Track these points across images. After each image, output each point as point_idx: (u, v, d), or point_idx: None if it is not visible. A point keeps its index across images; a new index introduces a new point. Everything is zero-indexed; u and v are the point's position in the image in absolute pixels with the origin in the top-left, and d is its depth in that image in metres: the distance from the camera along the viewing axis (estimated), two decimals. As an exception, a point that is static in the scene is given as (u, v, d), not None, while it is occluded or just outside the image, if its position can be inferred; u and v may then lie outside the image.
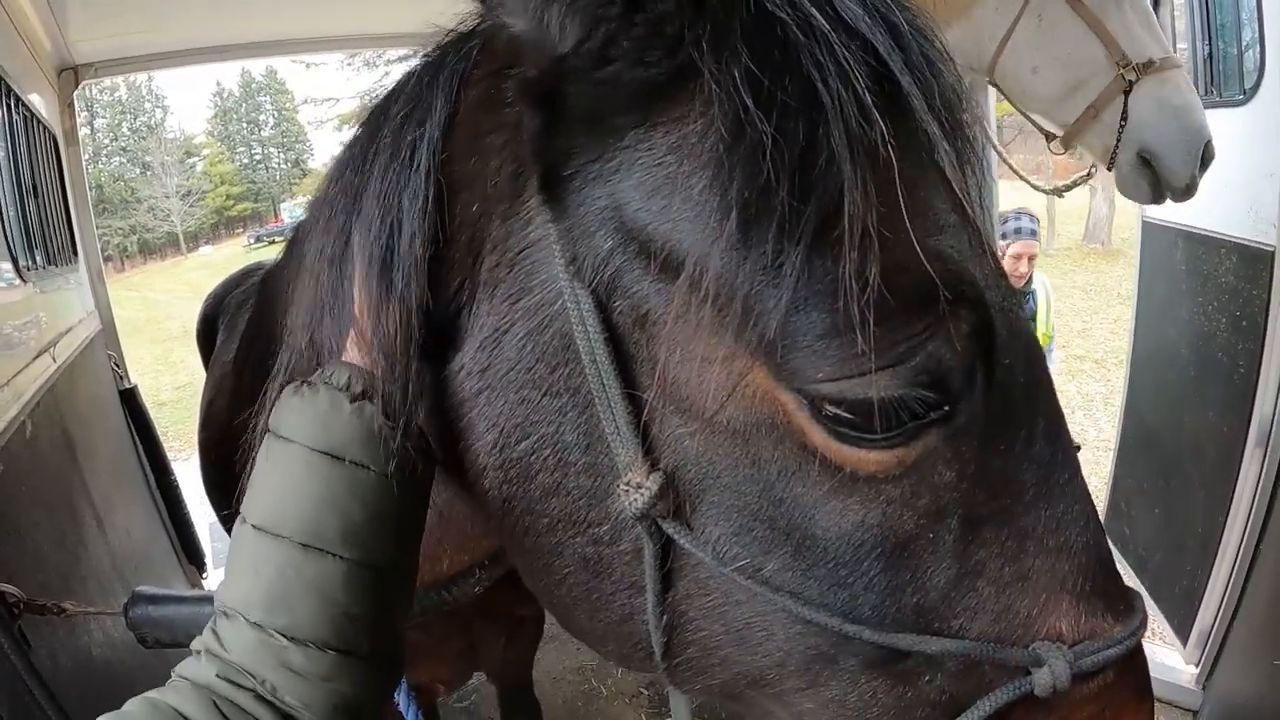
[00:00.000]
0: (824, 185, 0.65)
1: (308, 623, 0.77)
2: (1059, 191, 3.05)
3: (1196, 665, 3.20)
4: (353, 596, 0.79)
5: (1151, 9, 2.51)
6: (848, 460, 0.70)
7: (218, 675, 0.75)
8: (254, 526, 0.80)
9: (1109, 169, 2.57)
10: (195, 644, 0.80)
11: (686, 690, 0.87)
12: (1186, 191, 2.50)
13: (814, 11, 0.68)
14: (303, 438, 0.81)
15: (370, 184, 0.90)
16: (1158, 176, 2.46)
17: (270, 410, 0.88)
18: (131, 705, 0.74)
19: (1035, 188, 3.13)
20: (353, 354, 0.88)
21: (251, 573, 0.78)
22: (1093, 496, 0.80)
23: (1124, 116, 2.39)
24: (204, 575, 4.22)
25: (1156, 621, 3.71)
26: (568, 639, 2.33)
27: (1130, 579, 4.01)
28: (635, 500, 0.74)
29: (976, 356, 0.70)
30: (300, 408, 0.84)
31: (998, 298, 0.74)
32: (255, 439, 0.90)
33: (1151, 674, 2.90)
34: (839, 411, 0.68)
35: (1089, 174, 2.90)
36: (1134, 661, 0.79)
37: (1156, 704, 3.00)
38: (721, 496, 0.75)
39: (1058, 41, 2.44)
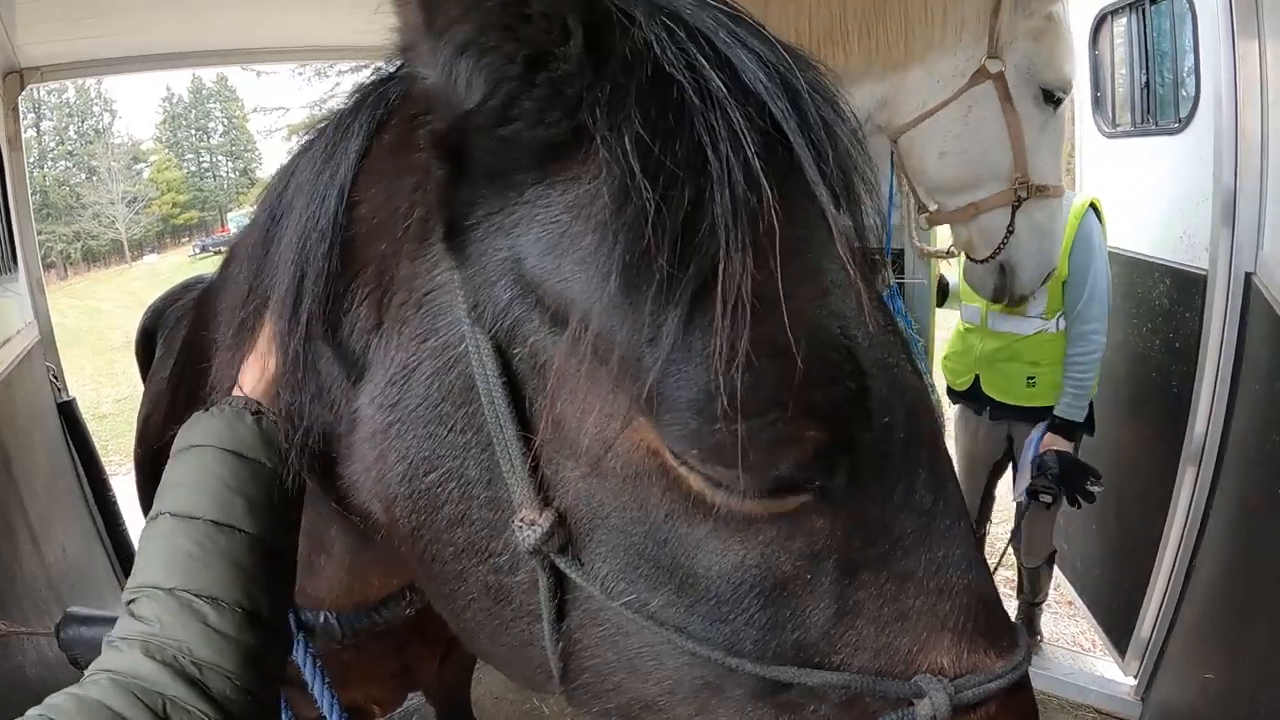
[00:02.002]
0: (703, 252, 0.67)
1: (221, 584, 0.86)
2: (940, 255, 3.31)
3: (1135, 677, 3.28)
4: (256, 565, 0.90)
5: (1063, 137, 2.62)
6: (723, 505, 0.72)
7: (142, 653, 0.80)
8: (170, 514, 0.90)
9: (967, 257, 2.77)
10: (109, 636, 0.84)
11: (586, 712, 0.88)
12: (1020, 301, 2.88)
13: (712, 75, 0.70)
14: (212, 440, 0.95)
15: (289, 220, 0.96)
16: (1006, 282, 2.71)
17: (180, 432, 0.99)
18: (56, 699, 0.76)
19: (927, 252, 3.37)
20: (249, 385, 1.01)
21: (169, 550, 0.88)
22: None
23: (1010, 229, 2.56)
24: (144, 593, 4.10)
25: (1095, 634, 3.80)
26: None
27: (1069, 593, 4.10)
28: (528, 536, 0.77)
29: (842, 453, 0.72)
30: (209, 421, 0.97)
31: (880, 355, 0.76)
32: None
33: (1091, 686, 2.96)
34: (711, 471, 0.70)
35: (949, 252, 3.13)
36: (1018, 694, 0.81)
37: (1097, 715, 3.05)
38: (609, 535, 0.77)
39: (975, 138, 2.48)
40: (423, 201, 0.83)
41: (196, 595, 0.84)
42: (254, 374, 1.02)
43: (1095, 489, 2.95)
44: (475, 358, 0.77)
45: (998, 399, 3.34)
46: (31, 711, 0.74)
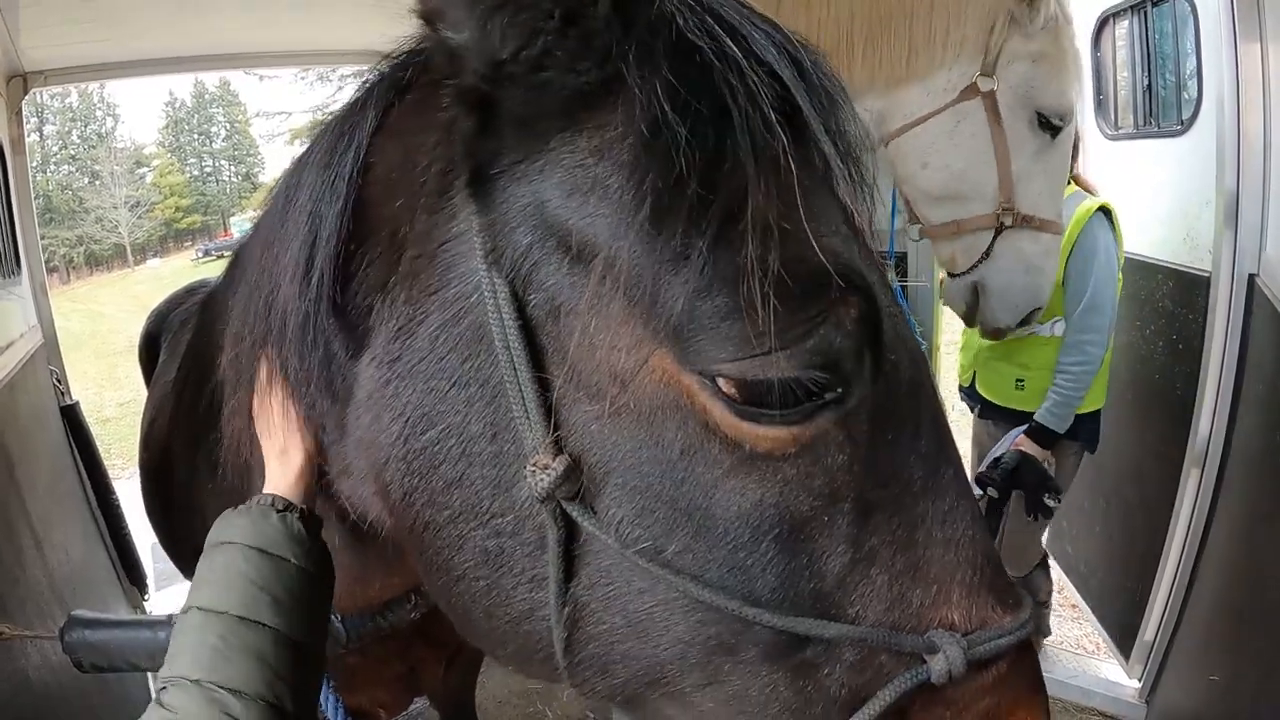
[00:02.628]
0: (730, 183, 0.72)
1: (244, 678, 0.88)
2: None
3: (1139, 679, 3.27)
4: (280, 660, 0.92)
5: (1068, 175, 2.54)
6: (746, 436, 0.74)
7: None
8: (199, 609, 0.94)
9: (950, 274, 2.67)
10: None
11: (587, 694, 0.88)
12: (996, 334, 2.71)
13: (729, 42, 0.75)
14: (240, 538, 0.99)
15: (300, 194, 0.99)
16: (978, 306, 2.59)
17: (212, 528, 1.03)
18: None
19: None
20: (273, 483, 1.06)
21: (196, 644, 0.91)
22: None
23: (988, 252, 2.47)
24: (145, 596, 4.09)
25: (1100, 637, 3.79)
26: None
27: (1073, 596, 4.09)
28: (542, 480, 0.77)
29: (864, 343, 0.75)
30: (235, 520, 1.01)
31: (885, 301, 0.79)
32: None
33: (1095, 689, 2.94)
34: (738, 390, 0.73)
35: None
36: (1026, 654, 0.82)
37: (1102, 717, 3.03)
38: (625, 478, 0.77)
39: (960, 152, 2.42)
40: (443, 156, 0.86)
41: (220, 687, 0.88)
42: (276, 469, 1.07)
43: (1051, 503, 2.86)
44: (491, 302, 0.79)
45: (987, 397, 3.28)
46: None
